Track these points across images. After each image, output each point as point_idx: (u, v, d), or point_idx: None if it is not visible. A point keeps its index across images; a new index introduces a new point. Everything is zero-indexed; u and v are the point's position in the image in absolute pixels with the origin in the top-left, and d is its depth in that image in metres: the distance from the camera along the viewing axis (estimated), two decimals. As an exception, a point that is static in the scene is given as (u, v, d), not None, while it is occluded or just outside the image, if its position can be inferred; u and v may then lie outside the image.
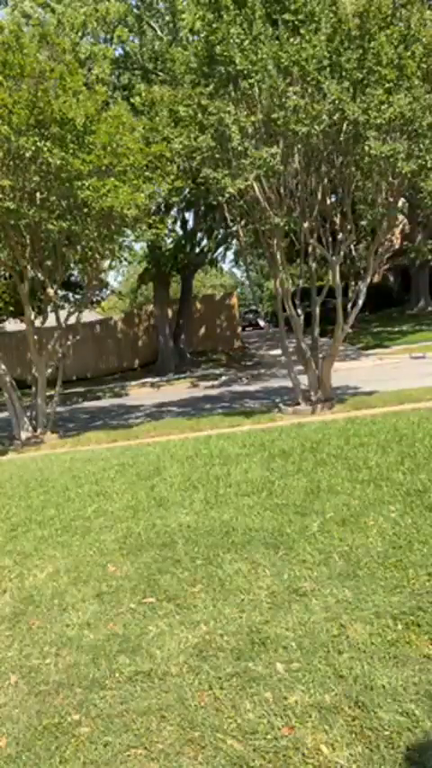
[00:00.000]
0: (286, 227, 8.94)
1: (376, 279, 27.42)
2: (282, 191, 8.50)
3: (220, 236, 19.85)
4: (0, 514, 5.42)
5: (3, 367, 9.87)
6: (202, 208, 18.12)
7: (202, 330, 25.46)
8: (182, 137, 8.42)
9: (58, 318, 10.62)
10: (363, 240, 12.23)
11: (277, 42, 7.57)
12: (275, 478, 5.23)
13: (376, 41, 7.38)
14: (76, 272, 14.57)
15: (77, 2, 16.32)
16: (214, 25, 7.76)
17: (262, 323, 35.93)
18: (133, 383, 19.44)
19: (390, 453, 5.51)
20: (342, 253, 8.93)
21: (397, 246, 18.93)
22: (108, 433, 9.74)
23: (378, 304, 25.79)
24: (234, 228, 9.80)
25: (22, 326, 13.13)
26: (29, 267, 9.88)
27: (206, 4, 8.02)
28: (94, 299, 23.39)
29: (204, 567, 3.59)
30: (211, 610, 3.05)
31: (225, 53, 7.65)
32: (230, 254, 23.64)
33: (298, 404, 9.16)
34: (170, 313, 21.99)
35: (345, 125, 7.65)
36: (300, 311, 9.30)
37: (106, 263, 11.58)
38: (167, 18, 17.72)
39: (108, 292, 25.96)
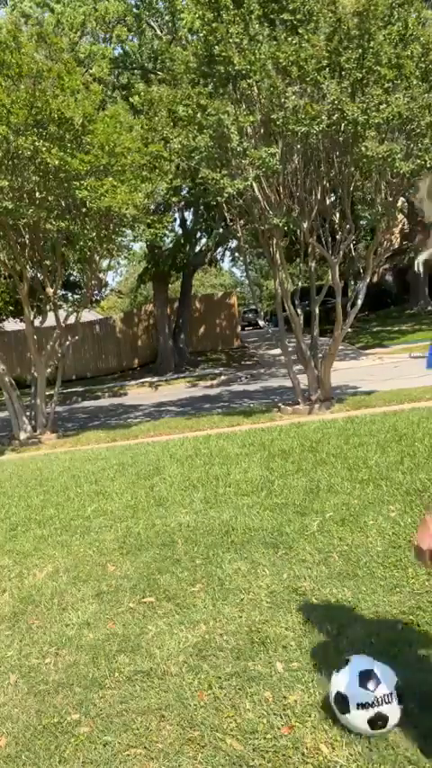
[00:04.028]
0: (285, 227, 8.94)
1: (375, 278, 27.41)
2: (281, 190, 8.50)
3: (219, 236, 19.86)
4: (-1, 514, 5.42)
5: (2, 367, 9.87)
6: (201, 207, 18.12)
7: (202, 329, 25.47)
8: (180, 137, 8.42)
9: (57, 318, 10.62)
10: (362, 240, 12.23)
11: (275, 42, 7.57)
12: (275, 478, 5.23)
13: (375, 41, 7.38)
14: (75, 272, 14.59)
15: (77, 1, 16.31)
16: (213, 25, 7.76)
17: (261, 322, 35.94)
18: (132, 383, 19.43)
19: (389, 453, 5.51)
20: (341, 252, 8.92)
21: (397, 246, 18.94)
22: (107, 433, 9.73)
23: (377, 304, 25.82)
24: (233, 228, 9.80)
25: (22, 326, 13.14)
26: (28, 267, 9.88)
27: (205, 4, 8.01)
28: (94, 299, 23.38)
29: (204, 566, 3.58)
30: (211, 609, 3.05)
31: (223, 53, 7.65)
32: (230, 254, 23.64)
33: (297, 403, 9.17)
34: (169, 312, 21.98)
35: (344, 125, 7.65)
36: (299, 311, 9.30)
37: (105, 263, 11.59)
38: (167, 17, 17.72)
39: (107, 292, 25.95)
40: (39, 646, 2.96)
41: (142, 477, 6.04)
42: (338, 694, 2.05)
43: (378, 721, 1.97)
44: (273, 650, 2.60)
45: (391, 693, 2.00)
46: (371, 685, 1.99)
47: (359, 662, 2.09)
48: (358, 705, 1.98)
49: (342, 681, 2.05)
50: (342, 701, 2.04)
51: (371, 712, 1.97)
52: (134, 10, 17.91)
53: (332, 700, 2.09)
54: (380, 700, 1.98)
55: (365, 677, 2.01)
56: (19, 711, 2.46)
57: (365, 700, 1.97)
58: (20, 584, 3.74)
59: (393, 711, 2.00)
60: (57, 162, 7.94)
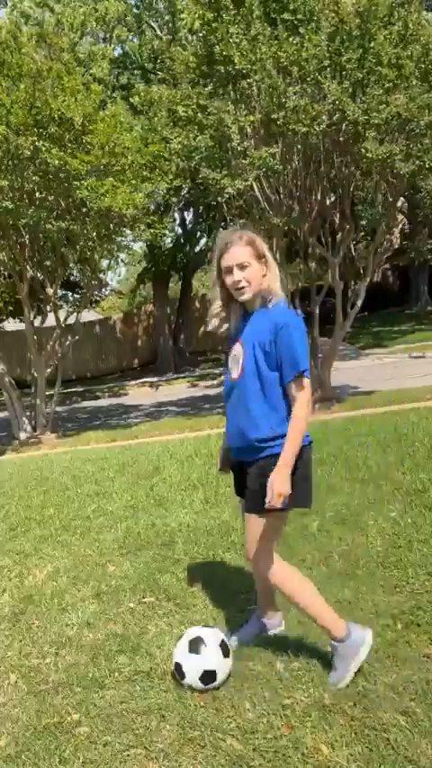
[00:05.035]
0: (286, 228, 8.94)
1: (376, 278, 27.40)
2: (281, 190, 8.50)
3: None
4: (-1, 514, 5.41)
5: (2, 367, 9.87)
6: (201, 207, 18.13)
7: (202, 329, 25.43)
8: (181, 137, 8.42)
9: (57, 318, 10.61)
10: (363, 240, 12.23)
11: (276, 42, 7.57)
12: (275, 478, 5.21)
13: (376, 41, 7.38)
14: (75, 272, 14.62)
15: (77, 1, 16.31)
16: (213, 25, 7.76)
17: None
18: (133, 383, 19.43)
19: (390, 453, 5.51)
20: (341, 252, 8.93)
21: (397, 246, 18.93)
22: (107, 433, 9.73)
23: (377, 304, 25.75)
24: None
25: (22, 326, 13.14)
26: (28, 267, 9.87)
27: (205, 4, 8.02)
28: (94, 299, 23.39)
29: (204, 566, 3.58)
30: (211, 609, 3.05)
31: (224, 53, 7.65)
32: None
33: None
34: (169, 312, 21.97)
35: (344, 125, 7.65)
36: (299, 311, 9.29)
37: (105, 263, 11.59)
38: (167, 17, 17.72)
39: (107, 292, 25.97)
40: (39, 646, 2.96)
41: (142, 477, 6.03)
42: (176, 665, 2.44)
43: (208, 677, 2.38)
44: (273, 650, 2.60)
45: (217, 652, 2.39)
46: (198, 650, 2.38)
47: (189, 632, 2.50)
48: (192, 669, 2.38)
49: (177, 652, 2.45)
50: (178, 669, 2.43)
51: (200, 671, 2.37)
52: (134, 10, 17.91)
53: (173, 669, 2.47)
54: (207, 661, 2.37)
55: (193, 644, 2.40)
56: (19, 711, 2.46)
57: (195, 662, 2.37)
58: (20, 584, 3.74)
59: (220, 666, 2.39)
60: (57, 162, 7.93)
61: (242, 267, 2.36)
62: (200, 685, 2.39)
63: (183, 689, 2.41)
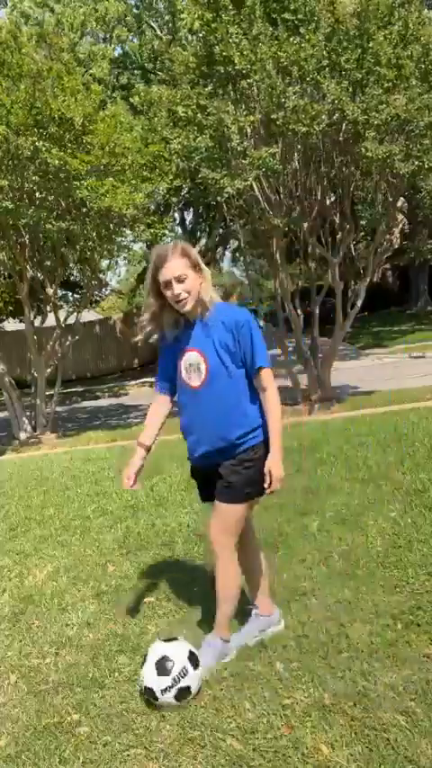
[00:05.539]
0: (286, 228, 8.93)
1: (376, 278, 27.37)
2: (281, 190, 8.50)
3: (219, 236, 19.87)
4: (-1, 514, 5.41)
5: (2, 367, 9.86)
6: (201, 207, 18.13)
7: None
8: (180, 137, 8.41)
9: (57, 318, 10.61)
10: (363, 240, 12.23)
11: (276, 42, 7.57)
12: (275, 478, 5.21)
13: (375, 41, 7.38)
14: (75, 272, 14.64)
15: (77, 1, 16.32)
16: (213, 25, 7.75)
17: (261, 322, 36.02)
18: (133, 383, 19.43)
19: (390, 453, 5.51)
20: (341, 252, 8.93)
21: (397, 246, 18.93)
22: (107, 433, 9.73)
23: (377, 304, 25.76)
24: (233, 228, 9.82)
25: (22, 326, 13.15)
26: (28, 267, 9.87)
27: (205, 4, 8.01)
28: (94, 299, 23.40)
29: (204, 566, 3.58)
30: (211, 609, 3.05)
31: (224, 53, 7.64)
32: (230, 254, 23.71)
33: (297, 403, 9.17)
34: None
35: (344, 125, 7.65)
36: (299, 311, 9.29)
37: (105, 263, 11.59)
38: (167, 18, 17.73)
39: (107, 292, 25.97)
40: (39, 646, 2.96)
41: (142, 477, 6.03)
42: (145, 688, 2.34)
43: (183, 694, 2.31)
44: (273, 650, 2.60)
45: (185, 667, 2.31)
46: (166, 671, 2.29)
47: (153, 652, 2.37)
48: (162, 691, 2.29)
49: (145, 675, 2.35)
50: (150, 693, 2.32)
51: (174, 691, 2.28)
52: (134, 10, 17.92)
53: (144, 692, 2.38)
54: (177, 678, 2.29)
55: (160, 665, 2.31)
56: (19, 711, 2.46)
57: (166, 685, 2.28)
58: (20, 584, 3.74)
59: (192, 679, 2.32)
60: (57, 162, 7.93)
61: (180, 280, 2.43)
62: (165, 682, 2.27)
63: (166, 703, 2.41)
